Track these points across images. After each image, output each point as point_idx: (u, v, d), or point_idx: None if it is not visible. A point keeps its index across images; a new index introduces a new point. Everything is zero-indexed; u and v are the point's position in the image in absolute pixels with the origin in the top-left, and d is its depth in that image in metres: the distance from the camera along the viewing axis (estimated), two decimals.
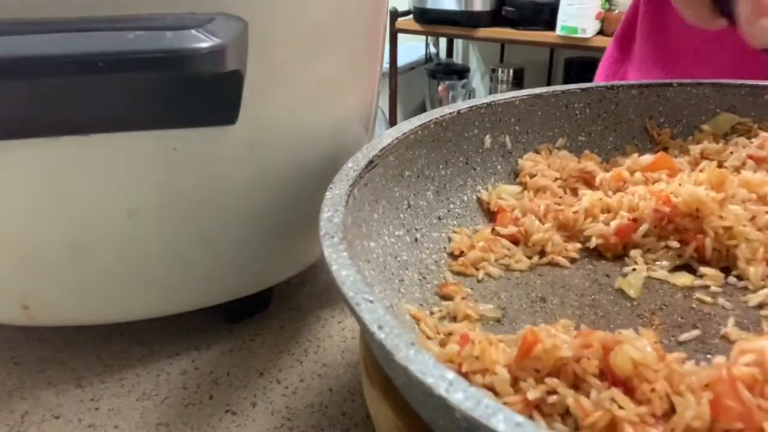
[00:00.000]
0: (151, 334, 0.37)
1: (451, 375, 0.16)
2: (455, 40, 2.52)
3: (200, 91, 0.26)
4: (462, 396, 0.15)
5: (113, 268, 0.31)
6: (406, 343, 0.17)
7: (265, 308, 0.40)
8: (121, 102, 0.25)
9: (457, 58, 2.58)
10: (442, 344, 0.26)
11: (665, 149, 0.41)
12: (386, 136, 0.32)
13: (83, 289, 0.31)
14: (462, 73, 2.37)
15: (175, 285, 0.33)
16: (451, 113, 0.36)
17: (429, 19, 2.07)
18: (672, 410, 0.20)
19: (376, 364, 0.25)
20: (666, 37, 0.62)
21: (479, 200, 0.38)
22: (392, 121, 2.24)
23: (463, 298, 0.30)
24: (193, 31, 0.23)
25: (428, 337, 0.27)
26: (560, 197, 0.38)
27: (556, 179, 0.39)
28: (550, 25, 1.88)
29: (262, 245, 0.35)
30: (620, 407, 0.20)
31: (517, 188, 0.39)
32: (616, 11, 1.83)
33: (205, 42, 0.23)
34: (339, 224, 0.24)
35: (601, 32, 1.83)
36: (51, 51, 0.22)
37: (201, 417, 0.31)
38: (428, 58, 2.51)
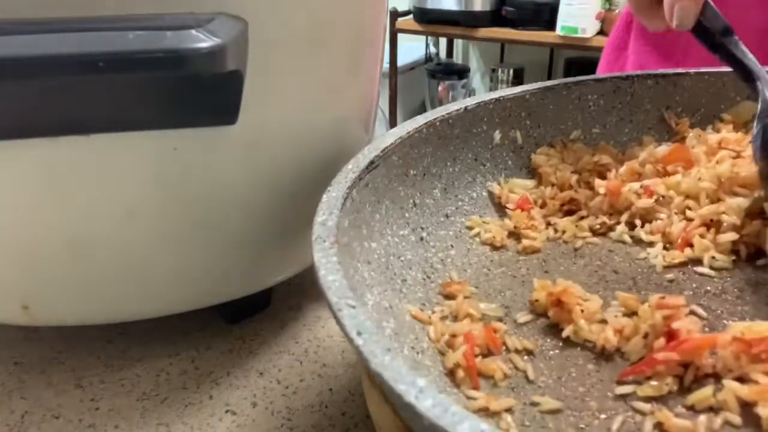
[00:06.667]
0: (151, 334, 0.37)
1: (422, 382, 0.16)
2: (455, 40, 2.52)
3: (200, 91, 0.26)
4: (430, 403, 0.15)
5: (113, 268, 0.31)
6: (383, 349, 0.17)
7: (265, 308, 0.40)
8: (121, 102, 0.25)
9: (457, 58, 2.58)
10: (449, 345, 0.27)
11: (683, 139, 0.40)
12: (389, 135, 0.32)
13: (83, 289, 0.31)
14: (462, 73, 2.36)
15: (175, 285, 0.33)
16: (457, 110, 0.36)
17: (429, 19, 2.07)
18: None
19: None
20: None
21: (490, 194, 0.38)
22: (392, 121, 2.24)
23: (466, 297, 0.30)
24: (193, 31, 0.23)
25: (434, 341, 0.27)
26: (575, 191, 0.37)
27: (573, 172, 0.38)
28: (550, 25, 1.88)
29: (262, 245, 0.35)
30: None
31: (530, 182, 0.38)
32: (616, 11, 1.82)
33: (205, 42, 0.23)
34: (333, 228, 0.24)
35: (601, 32, 1.83)
36: (51, 51, 0.22)
37: (201, 417, 0.31)
38: (428, 58, 2.51)
